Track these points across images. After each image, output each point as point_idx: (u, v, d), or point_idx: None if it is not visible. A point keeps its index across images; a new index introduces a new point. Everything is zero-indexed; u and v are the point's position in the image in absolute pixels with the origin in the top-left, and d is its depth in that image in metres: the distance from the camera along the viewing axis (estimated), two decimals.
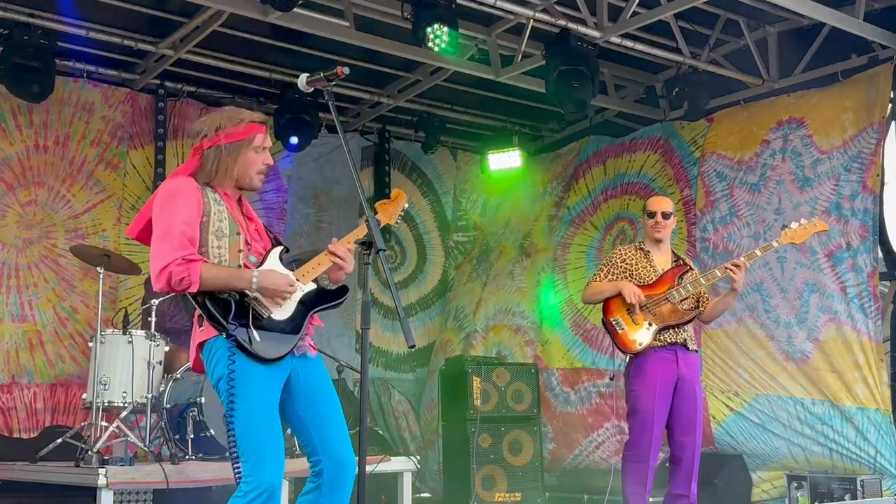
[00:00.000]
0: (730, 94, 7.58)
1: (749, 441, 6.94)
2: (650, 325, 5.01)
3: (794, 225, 5.07)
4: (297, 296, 3.35)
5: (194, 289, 3.16)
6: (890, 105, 6.56)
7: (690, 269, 5.19)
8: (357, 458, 3.15)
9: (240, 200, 3.50)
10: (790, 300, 6.83)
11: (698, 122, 7.62)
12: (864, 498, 5.96)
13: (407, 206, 3.71)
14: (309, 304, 3.39)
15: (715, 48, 7.40)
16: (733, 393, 7.05)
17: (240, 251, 3.31)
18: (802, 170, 6.90)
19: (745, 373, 7.00)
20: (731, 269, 4.95)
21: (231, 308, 3.20)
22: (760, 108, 7.34)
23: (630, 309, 5.04)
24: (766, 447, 6.86)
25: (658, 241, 5.23)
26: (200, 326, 3.29)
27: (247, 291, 3.23)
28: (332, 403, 3.41)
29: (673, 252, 5.30)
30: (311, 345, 3.44)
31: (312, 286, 3.42)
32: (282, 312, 3.31)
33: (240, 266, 3.29)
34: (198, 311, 3.28)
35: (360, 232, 3.45)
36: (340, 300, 3.48)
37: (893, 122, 6.60)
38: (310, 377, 3.38)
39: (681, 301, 5.03)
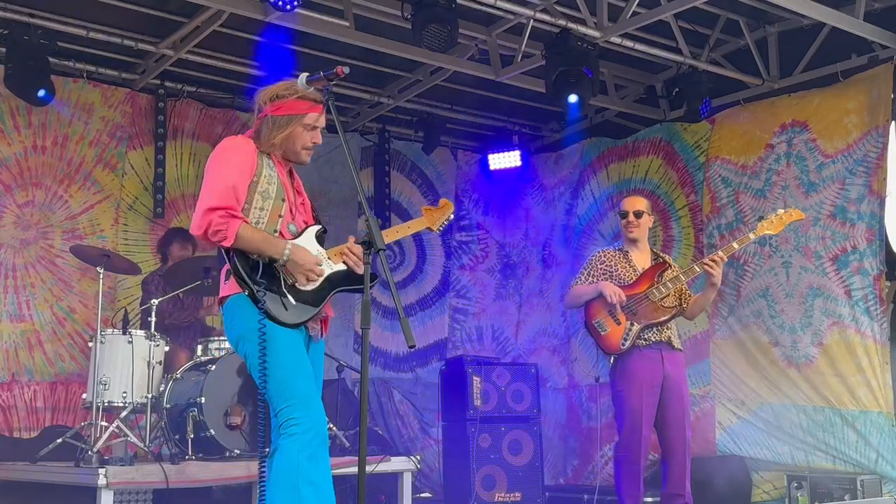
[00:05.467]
0: (730, 94, 7.57)
1: (753, 447, 6.95)
2: (632, 324, 5.01)
3: (770, 215, 5.09)
4: (326, 272, 3.48)
5: (227, 244, 3.28)
6: (891, 106, 6.55)
7: (669, 266, 5.19)
8: (357, 458, 3.17)
9: (291, 173, 3.61)
10: (795, 305, 6.82)
11: (700, 123, 7.60)
12: (863, 498, 5.96)
13: (452, 217, 3.98)
14: (335, 282, 3.51)
15: (715, 48, 7.39)
16: (739, 402, 7.05)
17: (280, 216, 3.44)
18: (807, 174, 6.89)
19: (751, 381, 7.00)
20: (707, 264, 4.97)
21: (259, 269, 3.32)
22: (762, 109, 7.32)
23: (611, 310, 5.06)
24: (770, 453, 6.86)
25: (634, 241, 5.25)
26: (226, 280, 3.41)
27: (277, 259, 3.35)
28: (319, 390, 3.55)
29: (652, 251, 5.32)
30: (324, 326, 3.56)
31: (342, 266, 3.53)
32: (309, 283, 3.43)
33: (276, 231, 3.41)
34: (226, 266, 3.39)
35: (404, 229, 3.80)
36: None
37: (894, 122, 6.59)
38: (313, 360, 3.50)
39: (661, 299, 5.03)
